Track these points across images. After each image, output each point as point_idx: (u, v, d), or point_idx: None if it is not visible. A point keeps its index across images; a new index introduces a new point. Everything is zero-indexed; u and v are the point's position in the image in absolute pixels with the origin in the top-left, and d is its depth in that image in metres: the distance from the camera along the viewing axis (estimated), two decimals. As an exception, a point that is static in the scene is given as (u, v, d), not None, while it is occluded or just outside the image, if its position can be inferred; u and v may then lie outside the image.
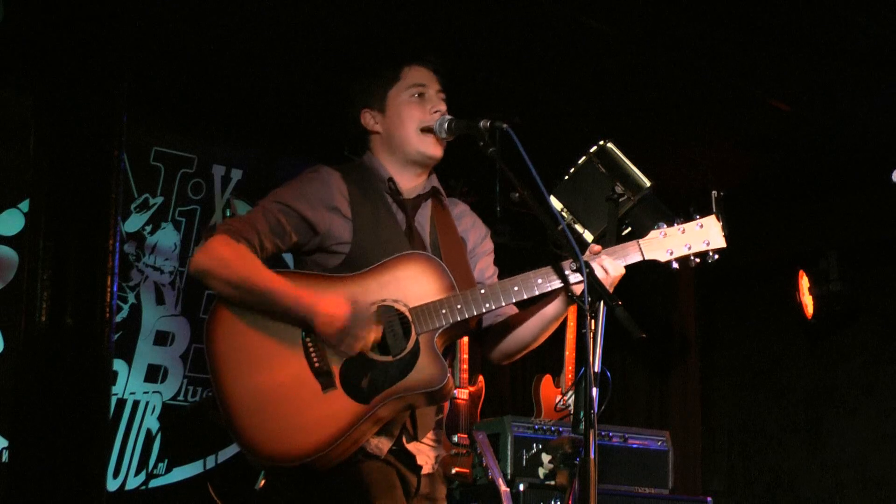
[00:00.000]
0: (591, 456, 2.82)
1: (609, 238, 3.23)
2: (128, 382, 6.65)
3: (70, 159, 5.21)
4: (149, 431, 6.71)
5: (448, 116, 3.21)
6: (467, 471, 6.02)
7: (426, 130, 3.21)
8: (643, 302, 8.33)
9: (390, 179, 3.24)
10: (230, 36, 5.92)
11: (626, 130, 6.32)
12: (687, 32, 5.80)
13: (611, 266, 3.05)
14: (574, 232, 3.23)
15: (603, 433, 5.98)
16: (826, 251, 7.97)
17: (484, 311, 3.05)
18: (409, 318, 3.02)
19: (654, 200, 3.30)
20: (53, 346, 5.11)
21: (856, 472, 8.08)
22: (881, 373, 8.05)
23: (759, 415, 8.67)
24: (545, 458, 5.83)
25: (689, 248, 3.11)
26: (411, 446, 3.10)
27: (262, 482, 5.44)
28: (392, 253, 3.08)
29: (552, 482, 5.73)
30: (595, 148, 3.40)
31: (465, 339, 6.57)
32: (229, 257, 3.02)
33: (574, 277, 3.03)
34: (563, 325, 6.96)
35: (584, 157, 3.39)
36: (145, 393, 6.73)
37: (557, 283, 3.05)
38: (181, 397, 6.88)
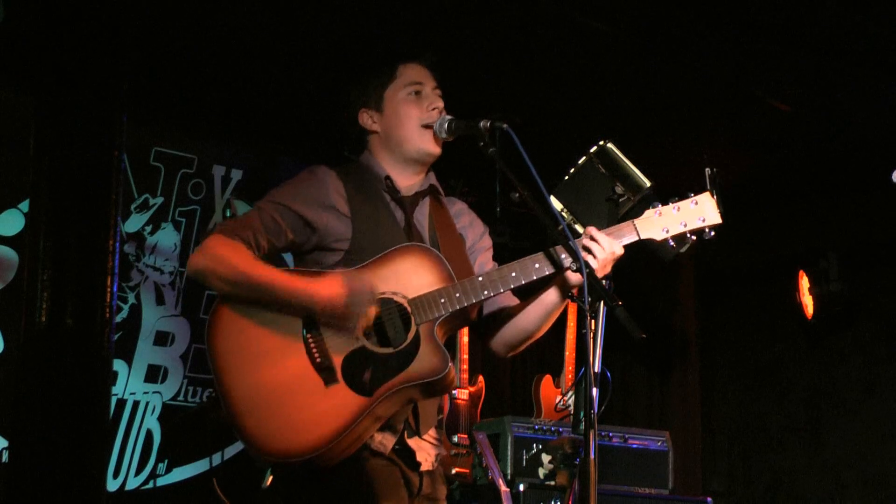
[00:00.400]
0: (591, 456, 2.82)
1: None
2: (128, 383, 6.65)
3: (70, 159, 5.21)
4: (149, 432, 6.71)
5: (448, 117, 3.20)
6: (467, 471, 6.02)
7: (425, 128, 3.20)
8: (643, 302, 8.33)
9: (387, 177, 3.24)
10: (230, 36, 5.92)
11: (626, 130, 6.31)
12: (687, 32, 5.80)
13: (605, 240, 3.03)
14: (574, 232, 3.21)
15: (603, 433, 5.97)
16: (826, 251, 7.97)
17: (483, 297, 3.05)
18: (408, 309, 3.01)
19: (654, 200, 3.30)
20: (53, 347, 5.10)
21: (856, 472, 8.07)
22: (881, 373, 8.04)
23: (759, 415, 8.66)
24: (545, 458, 5.82)
25: (685, 226, 3.08)
26: (412, 442, 3.09)
27: (269, 480, 5.44)
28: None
29: (552, 482, 5.72)
30: (595, 148, 3.40)
31: (465, 340, 6.59)
32: (225, 255, 3.03)
33: (570, 261, 3.01)
34: (564, 326, 6.96)
35: (584, 157, 3.40)
36: (145, 393, 6.73)
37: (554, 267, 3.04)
38: (181, 398, 6.88)
